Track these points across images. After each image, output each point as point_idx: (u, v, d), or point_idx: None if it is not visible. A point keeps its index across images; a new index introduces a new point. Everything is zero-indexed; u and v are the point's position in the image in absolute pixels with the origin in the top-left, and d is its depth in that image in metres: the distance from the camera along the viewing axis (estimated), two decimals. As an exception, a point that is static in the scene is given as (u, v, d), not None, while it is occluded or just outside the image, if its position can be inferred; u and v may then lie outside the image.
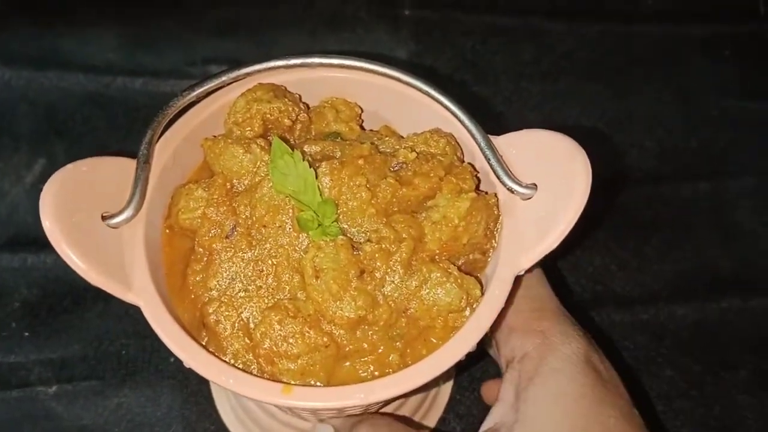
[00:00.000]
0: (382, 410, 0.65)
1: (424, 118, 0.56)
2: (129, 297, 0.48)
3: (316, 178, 0.48)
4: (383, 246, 0.48)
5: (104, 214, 0.49)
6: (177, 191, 0.53)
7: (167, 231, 0.53)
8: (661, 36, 1.01)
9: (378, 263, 0.48)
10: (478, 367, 0.76)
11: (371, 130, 0.59)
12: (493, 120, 0.93)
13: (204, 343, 0.49)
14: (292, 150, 0.49)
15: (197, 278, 0.51)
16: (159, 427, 0.72)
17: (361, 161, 0.49)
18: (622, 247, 0.85)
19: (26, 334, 0.75)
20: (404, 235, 0.48)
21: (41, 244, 0.78)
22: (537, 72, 0.97)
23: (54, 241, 0.46)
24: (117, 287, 0.47)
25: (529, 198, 0.49)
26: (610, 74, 0.97)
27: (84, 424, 0.71)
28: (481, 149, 0.51)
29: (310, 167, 0.48)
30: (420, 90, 0.53)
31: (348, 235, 0.49)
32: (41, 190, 0.47)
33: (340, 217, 0.49)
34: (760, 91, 0.97)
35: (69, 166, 0.48)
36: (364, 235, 0.49)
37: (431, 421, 0.73)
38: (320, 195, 0.48)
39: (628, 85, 0.97)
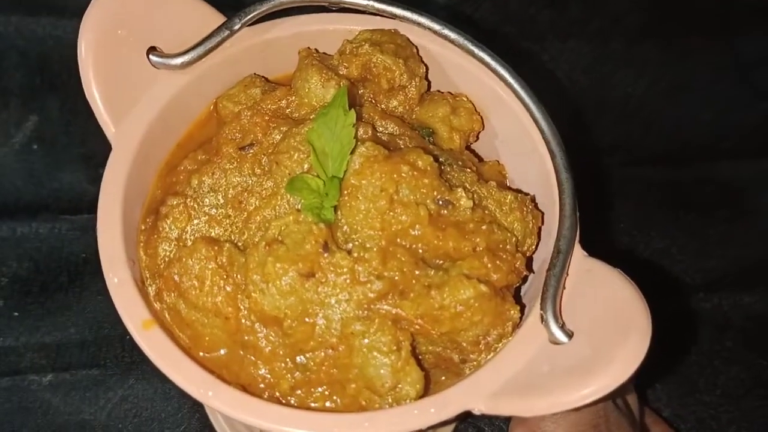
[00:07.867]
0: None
1: (532, 179, 0.47)
2: (109, 134, 0.44)
3: (352, 152, 0.42)
4: (356, 268, 0.40)
5: (154, 46, 0.46)
6: (244, 78, 0.50)
7: (211, 108, 0.50)
8: (719, 1, 0.96)
9: (335, 279, 0.40)
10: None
11: (471, 151, 0.51)
12: (541, 80, 0.87)
13: (144, 228, 0.45)
14: (351, 109, 0.42)
15: (189, 166, 0.47)
16: (170, 423, 0.67)
17: (406, 168, 0.42)
18: (680, 228, 0.82)
19: (16, 314, 0.70)
20: (386, 274, 0.40)
21: (33, 211, 0.74)
22: (585, 32, 0.93)
23: (82, 30, 0.44)
24: (105, 117, 0.44)
25: (555, 344, 0.40)
26: (664, 40, 0.94)
27: (84, 419, 0.66)
28: (553, 254, 0.42)
29: (355, 137, 0.41)
30: (544, 136, 0.46)
31: (336, 230, 0.42)
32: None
33: (343, 208, 0.42)
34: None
35: None
36: (351, 242, 0.42)
37: None
38: (342, 171, 0.42)
39: (684, 53, 0.93)
